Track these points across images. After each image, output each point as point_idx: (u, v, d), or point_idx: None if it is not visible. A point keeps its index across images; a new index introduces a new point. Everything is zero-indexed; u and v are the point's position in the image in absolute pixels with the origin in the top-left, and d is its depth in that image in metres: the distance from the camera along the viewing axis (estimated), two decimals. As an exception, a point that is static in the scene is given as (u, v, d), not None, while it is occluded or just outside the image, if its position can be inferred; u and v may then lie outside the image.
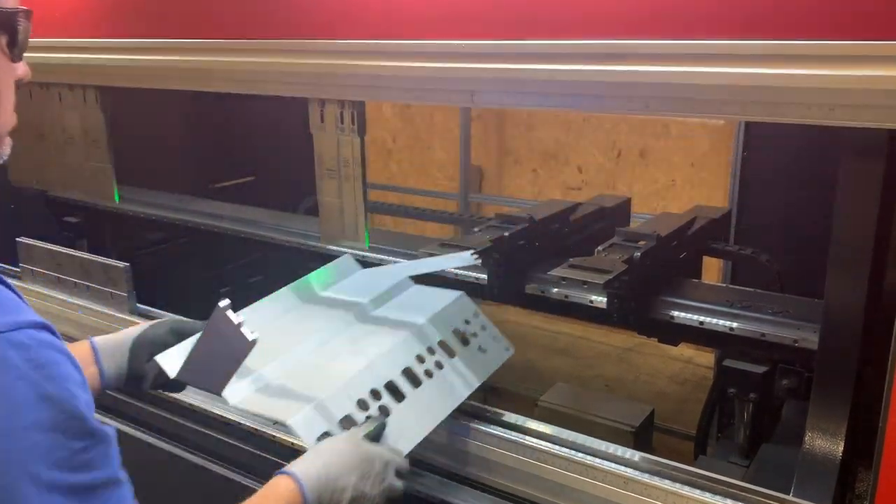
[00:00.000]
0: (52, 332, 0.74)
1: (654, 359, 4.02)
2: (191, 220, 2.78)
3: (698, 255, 2.18)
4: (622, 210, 2.59)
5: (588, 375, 3.89)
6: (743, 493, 1.26)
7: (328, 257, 2.27)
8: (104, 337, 1.34)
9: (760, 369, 1.68)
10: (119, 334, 1.35)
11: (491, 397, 3.69)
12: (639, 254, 1.80)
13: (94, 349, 1.29)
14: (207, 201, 3.00)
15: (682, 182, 4.14)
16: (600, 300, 1.88)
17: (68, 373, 0.72)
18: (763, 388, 1.66)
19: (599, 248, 1.88)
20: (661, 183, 4.19)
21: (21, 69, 0.92)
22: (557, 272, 1.73)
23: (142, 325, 1.38)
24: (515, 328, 4.40)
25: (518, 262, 2.08)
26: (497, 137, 4.74)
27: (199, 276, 2.97)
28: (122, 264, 2.07)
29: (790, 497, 1.26)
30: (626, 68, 1.18)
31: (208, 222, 2.72)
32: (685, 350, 4.01)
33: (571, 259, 1.78)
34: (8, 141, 0.92)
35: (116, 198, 2.66)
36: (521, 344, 4.52)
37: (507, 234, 2.05)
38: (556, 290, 1.98)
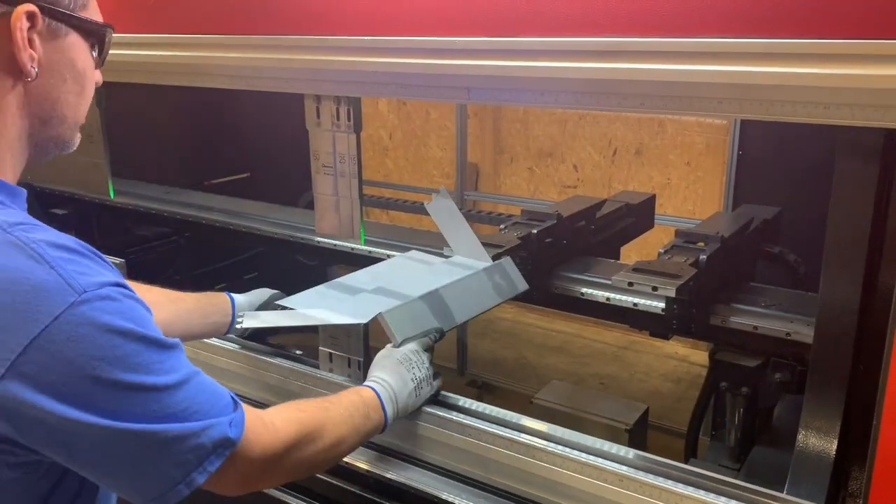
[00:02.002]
0: (127, 288, 0.94)
1: (649, 357, 4.03)
2: (184, 212, 2.76)
3: (755, 256, 2.12)
4: (647, 207, 2.58)
5: (583, 373, 3.89)
6: (737, 491, 1.26)
7: (324, 251, 2.27)
8: (242, 296, 1.77)
9: (752, 362, 1.68)
10: (251, 296, 1.79)
11: (486, 394, 3.71)
12: (705, 257, 1.76)
13: (231, 302, 1.73)
14: (202, 194, 2.98)
15: (678, 180, 4.14)
16: (652, 305, 1.85)
17: (144, 314, 0.94)
18: (755, 382, 1.66)
19: (661, 250, 1.84)
20: (657, 181, 4.19)
21: (97, 75, 1.10)
22: (623, 276, 1.69)
23: (261, 294, 1.81)
24: (511, 326, 4.41)
25: (545, 261, 2.05)
26: (493, 135, 4.74)
27: (193, 271, 2.97)
28: (117, 260, 2.07)
29: (784, 495, 1.27)
30: (621, 66, 1.17)
31: (203, 215, 2.71)
32: (680, 348, 4.02)
33: (636, 262, 1.75)
34: (79, 135, 1.10)
35: (112, 194, 2.65)
36: (516, 341, 4.54)
37: (534, 231, 2.02)
38: (613, 295, 1.93)
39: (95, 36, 1.06)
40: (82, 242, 0.94)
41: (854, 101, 1.01)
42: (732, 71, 1.09)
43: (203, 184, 3.26)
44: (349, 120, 1.52)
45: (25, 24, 0.95)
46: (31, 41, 0.96)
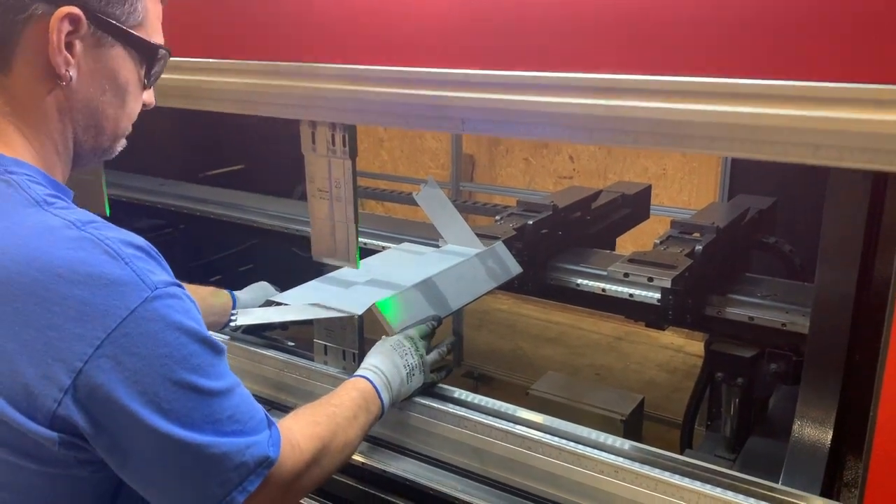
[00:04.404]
0: (184, 288, 0.97)
1: (644, 347, 4.03)
2: (179, 204, 2.75)
3: (750, 246, 2.12)
4: (643, 197, 2.58)
5: (579, 364, 3.90)
6: (732, 482, 1.26)
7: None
8: (244, 292, 1.83)
9: (748, 353, 1.68)
10: (251, 292, 1.84)
11: (482, 385, 3.71)
12: (700, 247, 1.76)
13: (233, 301, 1.77)
14: (196, 186, 2.97)
15: (674, 171, 4.15)
16: (648, 296, 1.85)
17: (199, 316, 0.97)
18: (750, 373, 1.66)
19: (656, 240, 1.85)
20: (652, 172, 4.19)
21: (147, 95, 1.11)
22: (619, 267, 1.68)
23: (262, 291, 1.84)
24: (507, 317, 4.41)
25: (541, 252, 2.05)
26: (488, 126, 4.73)
27: (189, 264, 2.96)
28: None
29: (779, 485, 1.27)
30: (614, 103, 1.19)
31: (197, 207, 2.70)
32: (675, 338, 4.02)
33: (632, 253, 1.75)
34: (122, 142, 1.10)
35: (108, 212, 2.63)
36: (511, 333, 4.53)
37: (530, 222, 2.02)
38: (609, 286, 1.93)
39: (144, 54, 1.05)
40: (147, 242, 0.95)
41: (843, 143, 1.03)
42: (724, 111, 1.11)
43: (198, 176, 3.25)
44: (344, 146, 1.53)
45: (65, 27, 0.94)
46: (70, 45, 0.96)
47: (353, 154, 1.53)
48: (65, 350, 0.86)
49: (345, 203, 1.56)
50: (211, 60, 1.62)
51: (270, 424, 1.03)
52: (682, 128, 1.14)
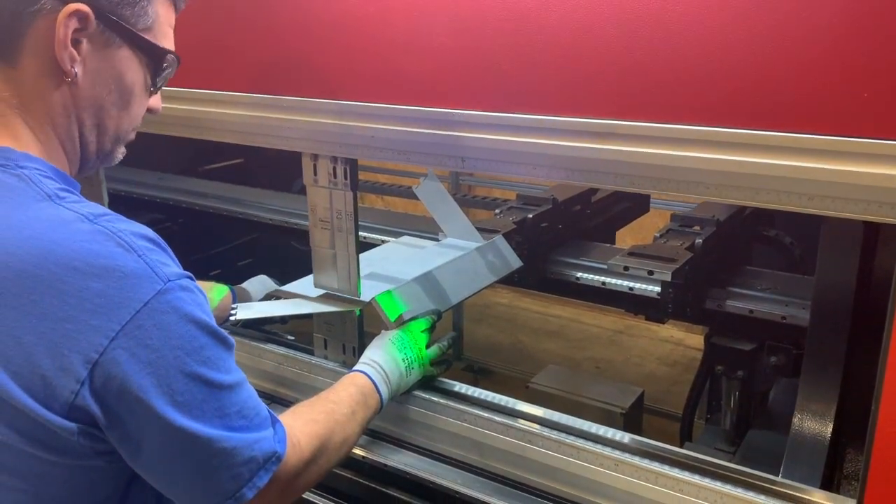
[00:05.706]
0: (194, 280, 0.97)
1: (645, 341, 4.04)
2: (178, 198, 2.74)
3: (750, 239, 2.13)
4: None
5: (579, 357, 3.90)
6: (732, 475, 1.26)
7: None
8: (241, 286, 1.84)
9: (748, 346, 1.68)
10: (252, 285, 1.87)
11: (482, 379, 3.71)
12: (700, 240, 1.76)
13: (233, 296, 1.76)
14: (195, 180, 2.96)
15: (674, 164, 4.13)
16: (648, 289, 1.85)
17: (210, 309, 0.98)
18: (750, 366, 1.66)
19: (657, 234, 1.85)
20: (653, 165, 4.18)
21: (154, 101, 1.11)
22: (619, 261, 1.69)
23: (263, 285, 1.87)
24: (507, 310, 4.41)
25: (541, 245, 2.05)
26: (488, 119, 4.71)
27: (188, 258, 2.95)
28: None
29: (779, 478, 1.27)
30: (613, 147, 1.20)
31: (196, 201, 2.69)
32: (675, 332, 4.03)
33: (632, 246, 1.75)
34: (122, 148, 1.11)
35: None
36: (512, 326, 4.53)
37: (530, 215, 2.01)
38: (609, 279, 1.94)
39: (151, 58, 1.05)
40: (156, 234, 0.96)
41: (836, 194, 1.05)
42: (719, 159, 1.12)
43: (197, 170, 3.24)
44: (346, 178, 1.54)
45: (73, 24, 0.95)
46: (78, 43, 0.96)
47: (354, 186, 1.55)
48: (81, 341, 0.87)
49: (346, 233, 1.58)
50: (215, 92, 1.65)
51: (275, 422, 1.04)
52: (677, 173, 1.16)
